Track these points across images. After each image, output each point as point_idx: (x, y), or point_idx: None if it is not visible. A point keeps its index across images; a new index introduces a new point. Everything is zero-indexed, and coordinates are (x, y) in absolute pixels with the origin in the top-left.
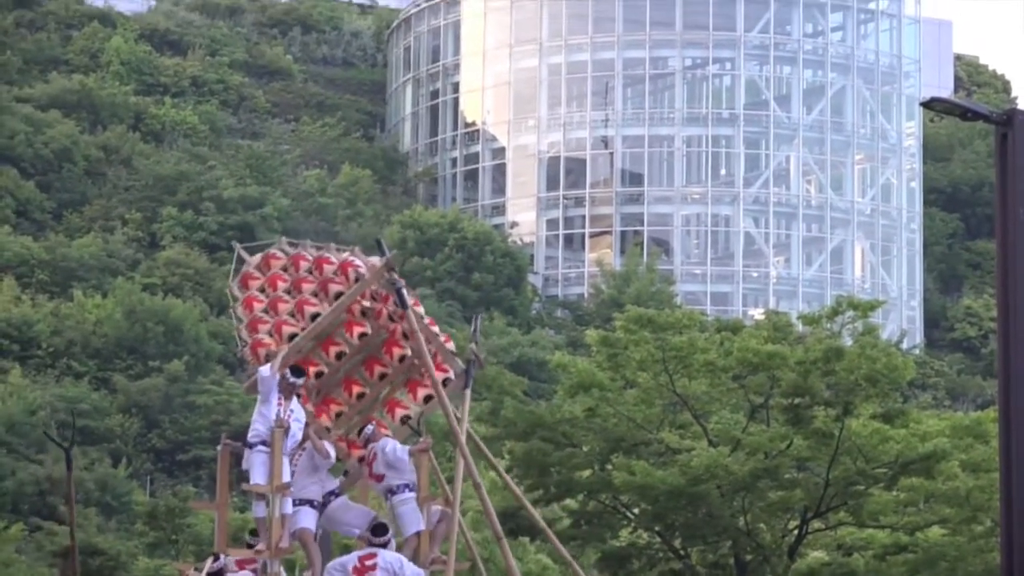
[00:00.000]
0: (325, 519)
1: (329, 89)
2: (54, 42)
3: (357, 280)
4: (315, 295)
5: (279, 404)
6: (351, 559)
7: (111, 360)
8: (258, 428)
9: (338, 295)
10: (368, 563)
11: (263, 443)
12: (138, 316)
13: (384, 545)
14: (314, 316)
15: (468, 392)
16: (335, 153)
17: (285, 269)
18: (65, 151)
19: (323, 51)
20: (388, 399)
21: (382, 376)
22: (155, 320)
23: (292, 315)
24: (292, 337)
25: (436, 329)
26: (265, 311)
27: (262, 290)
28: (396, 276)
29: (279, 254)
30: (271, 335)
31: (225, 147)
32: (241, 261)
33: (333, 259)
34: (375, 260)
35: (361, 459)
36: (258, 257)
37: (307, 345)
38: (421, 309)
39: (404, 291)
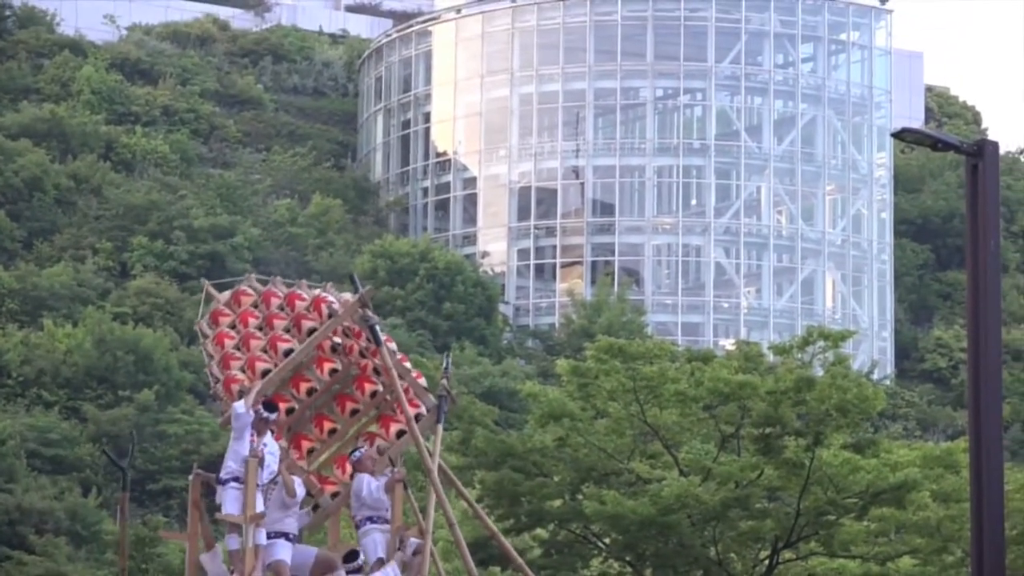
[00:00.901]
0: None
1: (300, 119)
2: (25, 71)
3: (330, 316)
4: (287, 331)
5: (252, 440)
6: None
7: (81, 389)
8: (231, 465)
9: (311, 331)
10: None
11: (236, 479)
12: (108, 345)
13: (358, 570)
14: (287, 352)
15: (440, 427)
16: (306, 183)
17: (256, 306)
18: (35, 180)
19: (294, 81)
20: (363, 432)
21: (353, 412)
22: (125, 349)
23: (265, 351)
24: (265, 373)
25: (408, 365)
26: (237, 347)
27: (233, 327)
28: (369, 312)
29: (249, 291)
30: (244, 371)
31: (196, 176)
32: (210, 298)
33: (305, 295)
34: (348, 296)
35: (335, 495)
36: (228, 294)
37: (280, 381)
38: (393, 345)
39: (377, 327)
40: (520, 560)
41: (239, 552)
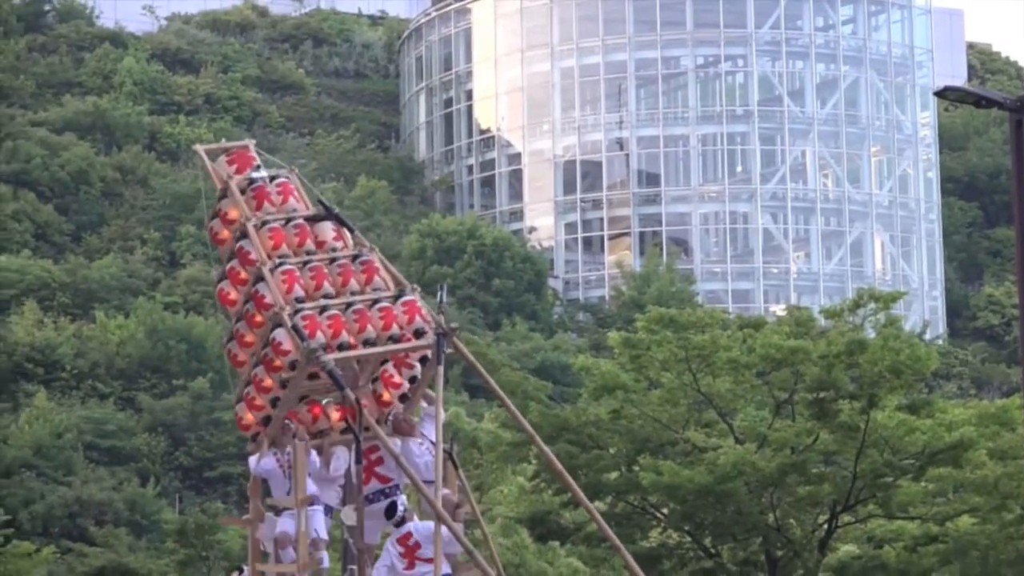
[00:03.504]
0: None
1: (342, 101)
2: (67, 65)
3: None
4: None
5: (278, 461)
6: (390, 552)
7: (135, 380)
8: (276, 496)
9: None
10: (410, 542)
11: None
12: (160, 335)
13: (403, 521)
14: (273, 401)
15: (441, 368)
16: (351, 165)
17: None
18: (81, 173)
19: (335, 64)
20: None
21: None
22: (177, 338)
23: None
24: (267, 419)
25: (411, 299)
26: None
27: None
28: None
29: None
30: (248, 409)
31: None
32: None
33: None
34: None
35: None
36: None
37: (280, 426)
38: (368, 251)
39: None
40: (593, 509)
41: (289, 536)
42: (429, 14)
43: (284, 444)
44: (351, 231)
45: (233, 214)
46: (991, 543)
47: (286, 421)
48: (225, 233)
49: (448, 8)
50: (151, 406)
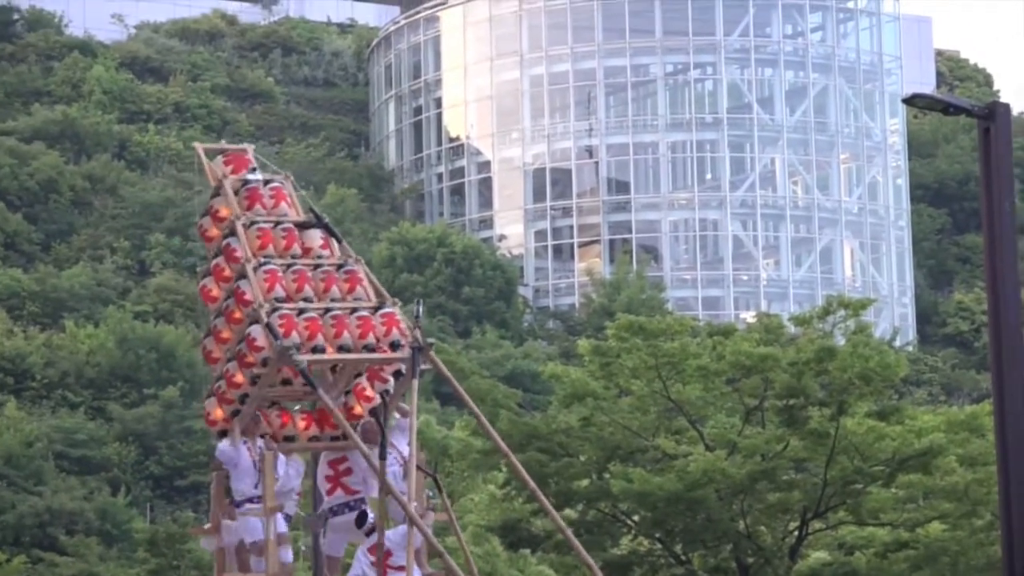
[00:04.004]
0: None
1: (312, 110)
2: (35, 74)
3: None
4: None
5: (249, 451)
6: (362, 561)
7: (105, 389)
8: (240, 488)
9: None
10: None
11: (249, 501)
12: (130, 344)
13: (373, 529)
14: (242, 398)
15: (416, 383)
16: (320, 173)
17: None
18: (51, 182)
19: (304, 72)
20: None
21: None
22: (148, 347)
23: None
24: (235, 413)
25: (390, 311)
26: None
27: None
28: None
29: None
30: (218, 404)
31: None
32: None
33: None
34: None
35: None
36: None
37: (251, 417)
38: (355, 261)
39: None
40: (560, 519)
41: (258, 544)
42: (398, 22)
43: (254, 434)
44: (339, 241)
45: (224, 212)
46: (961, 549)
47: (256, 413)
48: (214, 231)
49: (417, 16)
50: (121, 415)
